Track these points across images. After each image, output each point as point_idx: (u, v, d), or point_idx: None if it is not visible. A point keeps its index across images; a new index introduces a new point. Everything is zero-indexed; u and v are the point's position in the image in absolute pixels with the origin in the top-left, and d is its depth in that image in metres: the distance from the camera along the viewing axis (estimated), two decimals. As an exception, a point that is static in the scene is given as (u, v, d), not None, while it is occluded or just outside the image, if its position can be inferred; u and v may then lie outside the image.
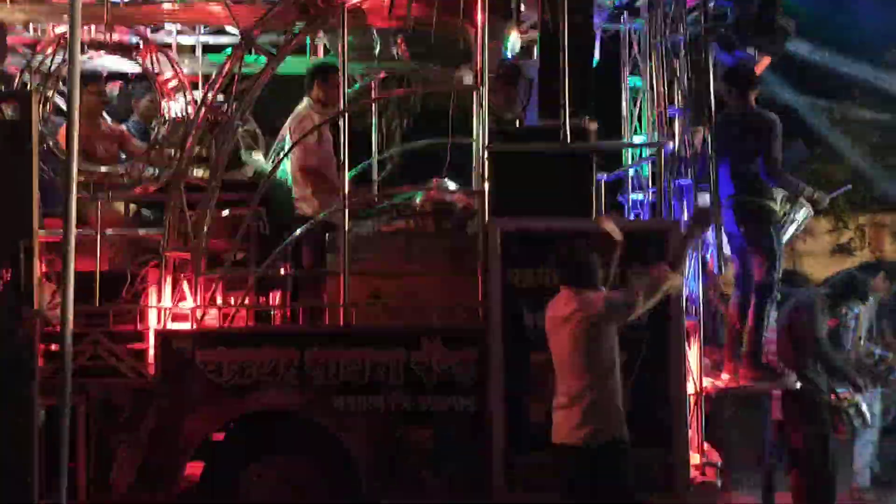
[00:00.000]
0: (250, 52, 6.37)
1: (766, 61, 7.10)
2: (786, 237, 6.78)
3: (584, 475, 4.94)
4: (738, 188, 6.62)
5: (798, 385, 6.42)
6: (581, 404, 4.91)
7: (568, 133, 5.96)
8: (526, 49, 6.89)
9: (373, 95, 8.42)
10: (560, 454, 5.06)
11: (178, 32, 7.69)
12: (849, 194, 17.82)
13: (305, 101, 6.93)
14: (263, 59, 6.59)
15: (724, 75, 6.67)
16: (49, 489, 5.01)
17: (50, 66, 6.13)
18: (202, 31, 7.80)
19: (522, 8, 6.66)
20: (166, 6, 6.74)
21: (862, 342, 7.93)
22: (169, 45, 7.53)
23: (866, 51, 15.79)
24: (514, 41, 6.72)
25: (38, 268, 5.15)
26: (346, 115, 6.11)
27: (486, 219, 5.94)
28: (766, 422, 7.49)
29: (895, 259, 16.18)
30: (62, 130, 6.09)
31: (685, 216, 6.45)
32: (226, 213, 6.73)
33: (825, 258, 17.71)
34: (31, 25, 7.12)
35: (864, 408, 6.54)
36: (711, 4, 6.65)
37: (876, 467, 8.32)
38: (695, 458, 6.13)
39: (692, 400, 6.21)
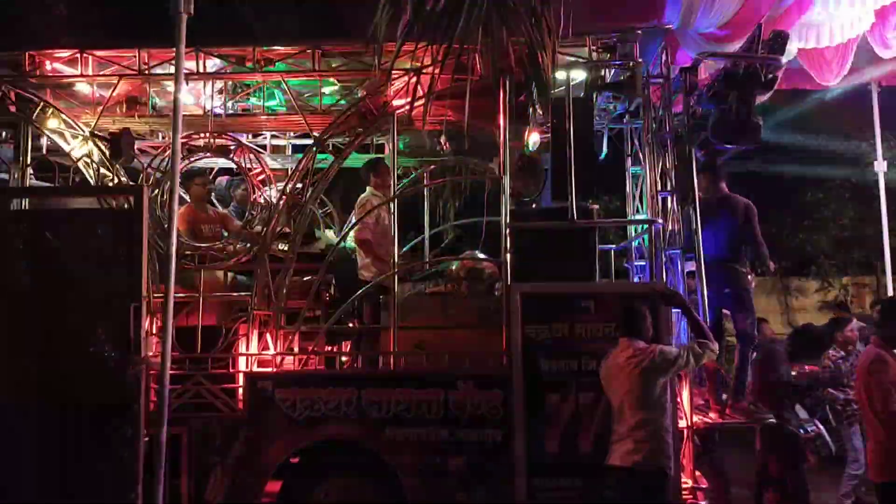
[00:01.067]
0: (323, 151, 6.37)
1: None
2: None
3: (627, 493, 4.78)
4: (724, 258, 6.43)
5: (773, 421, 6.09)
6: (634, 436, 4.79)
7: (575, 213, 5.89)
8: (543, 144, 6.81)
9: (424, 183, 8.39)
10: (610, 473, 4.87)
11: (273, 136, 7.79)
12: (834, 258, 17.47)
13: (368, 190, 6.96)
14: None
15: (700, 167, 6.51)
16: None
17: (167, 165, 6.21)
18: (291, 136, 7.89)
19: (540, 112, 6.61)
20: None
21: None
22: (264, 147, 7.65)
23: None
24: (534, 139, 6.66)
25: (147, 323, 5.18)
26: (397, 199, 6.13)
27: (509, 283, 5.84)
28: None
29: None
30: (177, 215, 6.20)
31: (674, 280, 6.24)
32: (307, 278, 6.74)
33: (814, 313, 17.31)
34: (159, 134, 7.32)
35: (828, 439, 6.14)
36: (695, 109, 6.50)
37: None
38: (687, 483, 5.85)
39: (685, 433, 5.94)
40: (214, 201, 7.51)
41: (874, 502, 5.15)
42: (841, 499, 7.49)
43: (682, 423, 5.90)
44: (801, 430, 5.95)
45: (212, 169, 7.47)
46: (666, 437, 4.83)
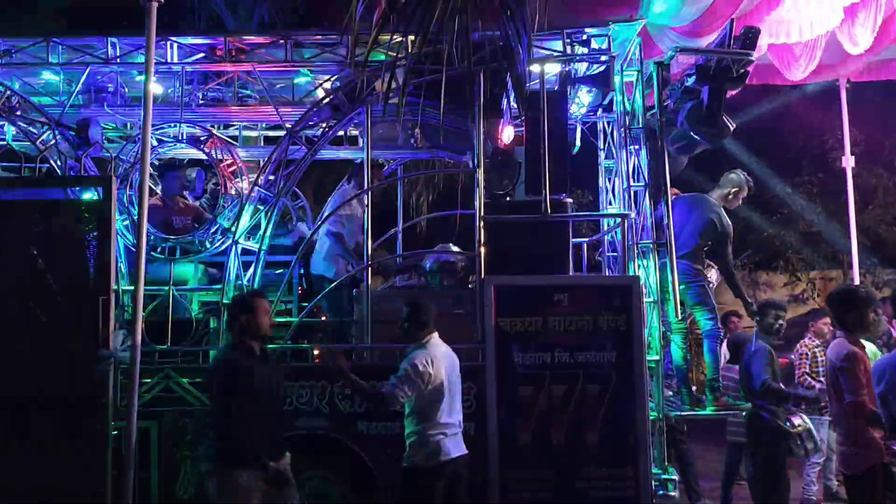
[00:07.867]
0: (295, 143, 6.33)
1: None
2: None
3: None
4: (685, 255, 6.50)
5: (765, 415, 6.08)
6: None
7: (548, 206, 5.90)
8: (517, 138, 6.82)
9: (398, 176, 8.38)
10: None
11: (244, 127, 7.71)
12: (802, 252, 17.70)
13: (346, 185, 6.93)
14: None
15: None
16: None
17: (136, 155, 6.13)
18: (263, 127, 7.80)
19: (514, 106, 6.62)
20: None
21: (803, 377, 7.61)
22: (235, 138, 7.57)
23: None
24: (508, 133, 6.66)
25: (114, 316, 5.12)
26: (371, 192, 6.14)
27: (482, 276, 5.84)
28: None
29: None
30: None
31: (646, 273, 6.30)
32: (279, 271, 6.71)
33: (782, 306, 17.43)
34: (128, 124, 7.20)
35: (815, 433, 6.14)
36: (668, 104, 6.55)
37: (833, 485, 7.85)
38: (658, 474, 5.93)
39: (655, 425, 6.00)
40: (185, 194, 7.42)
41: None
42: (806, 488, 7.63)
43: (653, 416, 5.97)
44: (787, 424, 5.93)
45: (185, 161, 7.33)
46: None
